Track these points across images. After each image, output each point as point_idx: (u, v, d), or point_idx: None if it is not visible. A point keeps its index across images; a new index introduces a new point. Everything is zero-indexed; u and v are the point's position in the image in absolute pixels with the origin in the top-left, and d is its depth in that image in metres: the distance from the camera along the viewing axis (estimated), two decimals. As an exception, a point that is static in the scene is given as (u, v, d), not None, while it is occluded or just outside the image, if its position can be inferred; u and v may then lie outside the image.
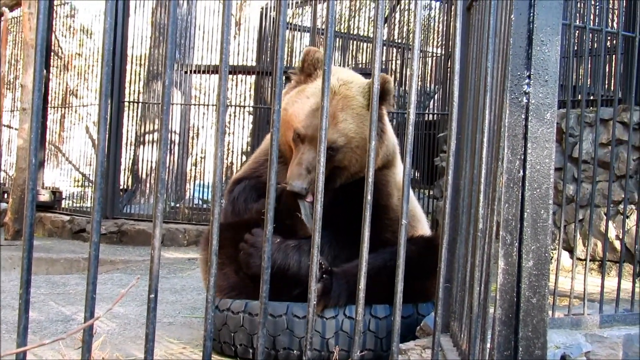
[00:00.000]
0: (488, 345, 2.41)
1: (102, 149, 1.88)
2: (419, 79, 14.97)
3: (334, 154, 4.09)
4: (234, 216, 4.37)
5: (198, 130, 14.05)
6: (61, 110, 14.28)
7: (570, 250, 7.60)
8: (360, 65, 15.81)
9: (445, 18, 14.37)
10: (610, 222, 7.42)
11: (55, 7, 14.00)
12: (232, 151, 14.27)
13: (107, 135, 1.89)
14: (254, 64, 14.65)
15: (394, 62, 15.75)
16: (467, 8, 3.63)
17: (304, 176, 3.96)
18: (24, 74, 11.96)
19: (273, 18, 13.85)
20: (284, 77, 11.67)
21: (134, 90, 13.77)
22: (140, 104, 13.76)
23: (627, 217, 7.26)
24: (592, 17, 8.76)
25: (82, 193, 14.45)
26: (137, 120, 13.61)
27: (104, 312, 1.87)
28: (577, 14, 8.86)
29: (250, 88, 16.43)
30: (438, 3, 15.21)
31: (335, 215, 3.80)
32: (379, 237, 3.95)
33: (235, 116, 13.60)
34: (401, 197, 2.22)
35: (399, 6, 15.96)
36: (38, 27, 1.86)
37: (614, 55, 8.85)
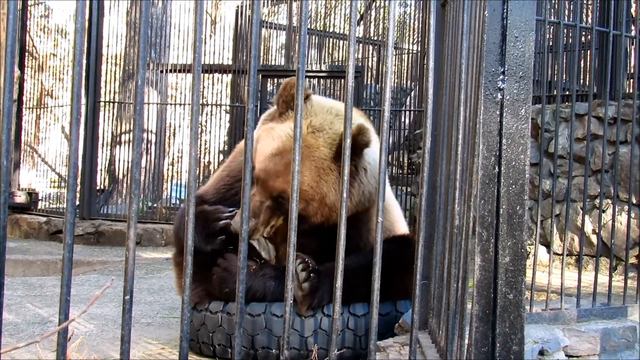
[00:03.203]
0: (466, 341, 2.42)
1: (75, 150, 1.86)
2: (395, 76, 15.02)
3: (284, 203, 3.85)
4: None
5: (175, 129, 13.97)
6: (37, 111, 14.15)
7: (547, 245, 7.65)
8: (336, 63, 15.86)
9: (421, 15, 14.43)
10: (586, 217, 7.46)
11: (29, 7, 13.88)
12: (210, 151, 14.23)
13: (79, 136, 1.87)
14: (231, 62, 14.62)
15: (370, 59, 15.82)
16: (441, 5, 3.63)
17: (251, 222, 3.81)
18: (-3, 75, 11.84)
19: (249, 16, 13.83)
20: (259, 76, 11.50)
21: (110, 90, 13.64)
22: (116, 104, 13.67)
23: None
24: (566, 12, 8.81)
25: (59, 194, 14.33)
26: (113, 120, 13.50)
27: (79, 314, 1.85)
28: (552, 10, 8.90)
29: (227, 87, 16.39)
30: (413, 0, 15.28)
31: (307, 249, 3.81)
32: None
33: (212, 115, 13.56)
34: (377, 195, 2.22)
35: (374, 3, 16.02)
36: (8, 27, 1.84)
37: (588, 51, 8.90)
